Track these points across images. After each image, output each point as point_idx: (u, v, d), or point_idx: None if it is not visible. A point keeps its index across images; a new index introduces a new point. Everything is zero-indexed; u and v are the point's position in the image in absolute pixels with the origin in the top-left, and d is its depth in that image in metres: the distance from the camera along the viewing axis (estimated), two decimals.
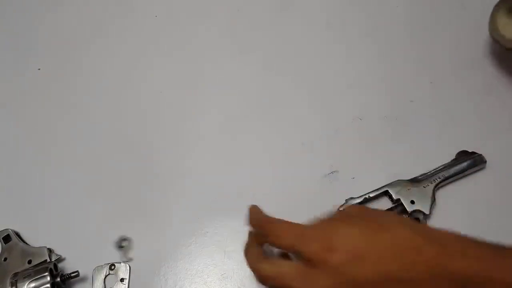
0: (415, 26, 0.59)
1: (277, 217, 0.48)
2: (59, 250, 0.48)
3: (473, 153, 0.49)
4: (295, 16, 0.62)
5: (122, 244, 0.49)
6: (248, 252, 0.40)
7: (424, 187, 0.48)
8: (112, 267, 0.48)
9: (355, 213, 0.37)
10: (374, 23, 0.60)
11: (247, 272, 0.47)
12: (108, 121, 0.56)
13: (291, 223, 0.38)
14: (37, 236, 0.50)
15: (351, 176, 0.50)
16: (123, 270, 0.48)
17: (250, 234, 0.42)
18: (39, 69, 0.61)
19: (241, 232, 0.49)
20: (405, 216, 0.47)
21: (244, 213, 0.49)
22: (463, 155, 0.50)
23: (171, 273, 0.48)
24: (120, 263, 0.48)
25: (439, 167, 0.49)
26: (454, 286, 0.31)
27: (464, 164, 0.49)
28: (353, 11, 0.61)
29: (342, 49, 0.59)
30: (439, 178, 0.48)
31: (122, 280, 0.47)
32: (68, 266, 0.48)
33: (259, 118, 0.55)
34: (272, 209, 0.49)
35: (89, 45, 0.62)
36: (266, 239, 0.38)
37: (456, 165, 0.49)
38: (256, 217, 0.40)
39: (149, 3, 0.64)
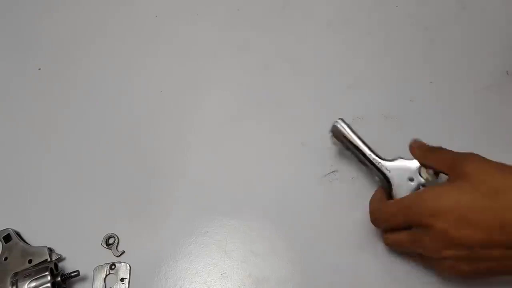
0: (415, 26, 0.59)
1: (277, 218, 0.49)
2: (59, 250, 0.49)
3: None
4: (295, 16, 0.62)
5: (109, 242, 0.49)
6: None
7: None
8: (113, 266, 0.48)
9: (471, 171, 0.37)
10: (374, 23, 0.60)
11: (247, 271, 0.47)
12: (108, 121, 0.57)
13: (396, 201, 0.42)
14: (37, 236, 0.50)
15: (351, 176, 0.50)
16: (123, 270, 0.48)
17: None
18: (39, 68, 0.61)
19: (241, 231, 0.49)
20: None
21: (243, 213, 0.50)
22: None
23: (171, 273, 0.48)
24: (120, 263, 0.48)
25: None
26: None
27: None
28: (353, 11, 0.61)
29: (342, 49, 0.59)
30: None
31: (122, 280, 0.47)
32: (68, 266, 0.48)
33: (259, 118, 0.55)
34: (272, 208, 0.50)
35: (89, 45, 0.62)
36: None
37: None
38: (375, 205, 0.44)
39: (149, 3, 0.64)
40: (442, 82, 0.56)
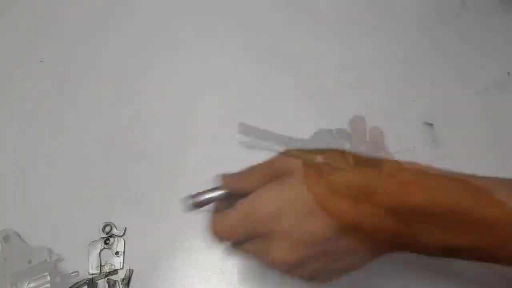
0: (416, 25, 0.59)
1: None
2: (59, 250, 0.49)
3: None
4: (295, 15, 0.62)
5: (109, 242, 0.49)
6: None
7: None
8: (107, 241, 0.48)
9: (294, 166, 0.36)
10: (374, 23, 0.60)
11: (246, 266, 0.47)
12: (108, 120, 0.56)
13: (212, 221, 0.38)
14: (37, 236, 0.50)
15: None
16: (118, 244, 0.48)
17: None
18: (41, 61, 0.61)
19: None
20: None
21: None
22: None
23: (170, 268, 0.48)
24: (114, 237, 0.49)
25: None
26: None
27: None
28: (354, 11, 0.61)
29: (343, 48, 0.59)
30: None
31: (117, 253, 0.48)
32: (68, 266, 0.48)
33: (258, 117, 0.55)
34: None
35: (91, 38, 0.62)
36: None
37: None
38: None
39: (149, 3, 0.64)
40: (442, 82, 0.56)
